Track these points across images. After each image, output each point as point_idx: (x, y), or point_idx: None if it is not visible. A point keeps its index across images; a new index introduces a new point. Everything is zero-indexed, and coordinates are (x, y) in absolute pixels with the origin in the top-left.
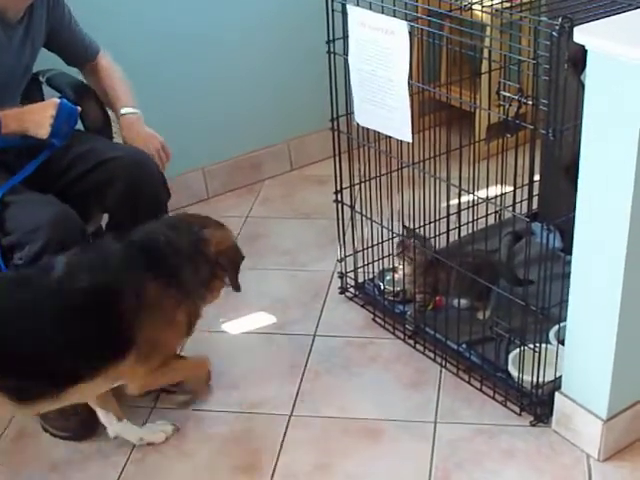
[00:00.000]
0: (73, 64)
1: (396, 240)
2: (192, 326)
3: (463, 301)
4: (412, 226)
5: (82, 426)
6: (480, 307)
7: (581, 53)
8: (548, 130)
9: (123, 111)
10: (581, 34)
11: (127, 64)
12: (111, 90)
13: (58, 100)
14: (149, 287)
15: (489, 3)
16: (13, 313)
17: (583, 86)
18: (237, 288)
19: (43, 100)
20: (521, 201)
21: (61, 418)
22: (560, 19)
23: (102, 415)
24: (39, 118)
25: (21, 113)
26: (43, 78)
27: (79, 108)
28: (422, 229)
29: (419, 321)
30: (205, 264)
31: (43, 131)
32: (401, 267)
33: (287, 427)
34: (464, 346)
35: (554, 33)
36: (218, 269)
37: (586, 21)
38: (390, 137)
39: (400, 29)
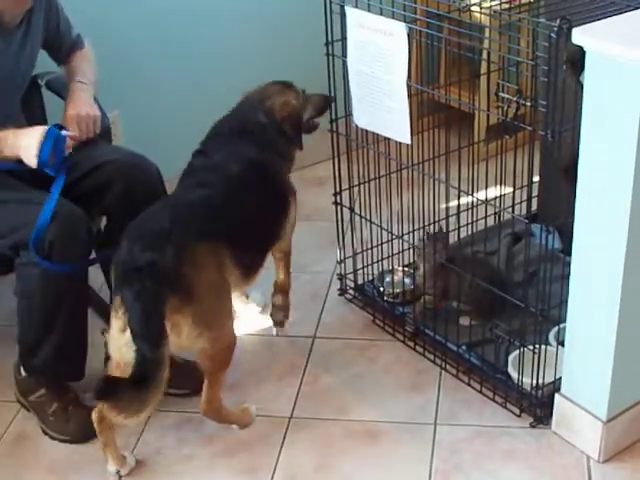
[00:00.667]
0: (58, 60)
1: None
2: None
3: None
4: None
5: (81, 429)
6: (476, 317)
7: (580, 54)
8: (547, 131)
9: (76, 79)
10: (579, 35)
11: (121, 61)
12: (77, 67)
13: (46, 128)
14: (276, 159)
15: (488, 4)
16: (234, 202)
17: (582, 87)
18: (301, 147)
19: (42, 103)
20: (520, 202)
21: (60, 421)
22: (558, 20)
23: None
24: (27, 146)
25: (14, 138)
26: (42, 81)
27: (67, 134)
28: (421, 231)
29: (419, 322)
30: (278, 133)
31: (32, 160)
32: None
33: (287, 429)
34: (464, 348)
35: (552, 34)
36: (287, 135)
37: (584, 22)
38: (389, 139)
39: (399, 31)
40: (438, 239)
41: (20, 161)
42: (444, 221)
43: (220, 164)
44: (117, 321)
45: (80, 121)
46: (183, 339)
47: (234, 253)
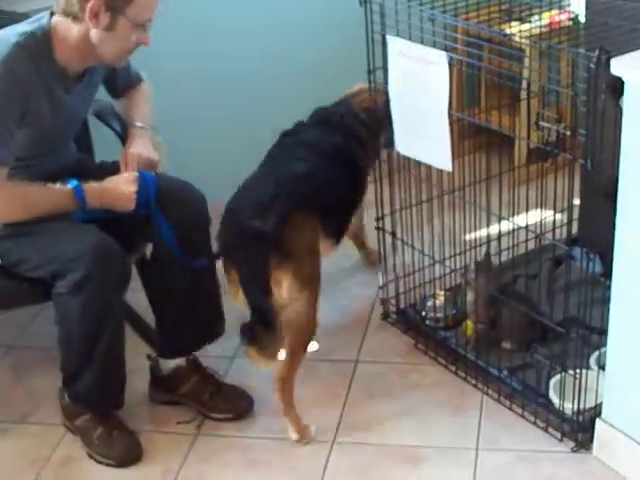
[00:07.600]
0: (115, 96)
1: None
2: None
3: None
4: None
5: (125, 453)
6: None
7: (620, 79)
8: (586, 160)
9: (137, 124)
10: (618, 66)
11: (160, 85)
12: (134, 106)
13: (136, 174)
14: (357, 145)
15: (527, 27)
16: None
17: (621, 111)
18: (387, 145)
19: (88, 131)
20: (561, 226)
21: (105, 445)
22: (597, 51)
23: None
24: (122, 195)
25: (103, 190)
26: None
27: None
28: (462, 255)
29: (477, 351)
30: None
31: (130, 205)
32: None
33: (329, 454)
34: (505, 372)
35: (591, 65)
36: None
37: (624, 52)
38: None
39: (440, 60)
40: (487, 269)
41: (105, 210)
42: (485, 246)
43: (313, 143)
44: (231, 280)
45: (140, 162)
46: (285, 292)
47: (324, 221)
